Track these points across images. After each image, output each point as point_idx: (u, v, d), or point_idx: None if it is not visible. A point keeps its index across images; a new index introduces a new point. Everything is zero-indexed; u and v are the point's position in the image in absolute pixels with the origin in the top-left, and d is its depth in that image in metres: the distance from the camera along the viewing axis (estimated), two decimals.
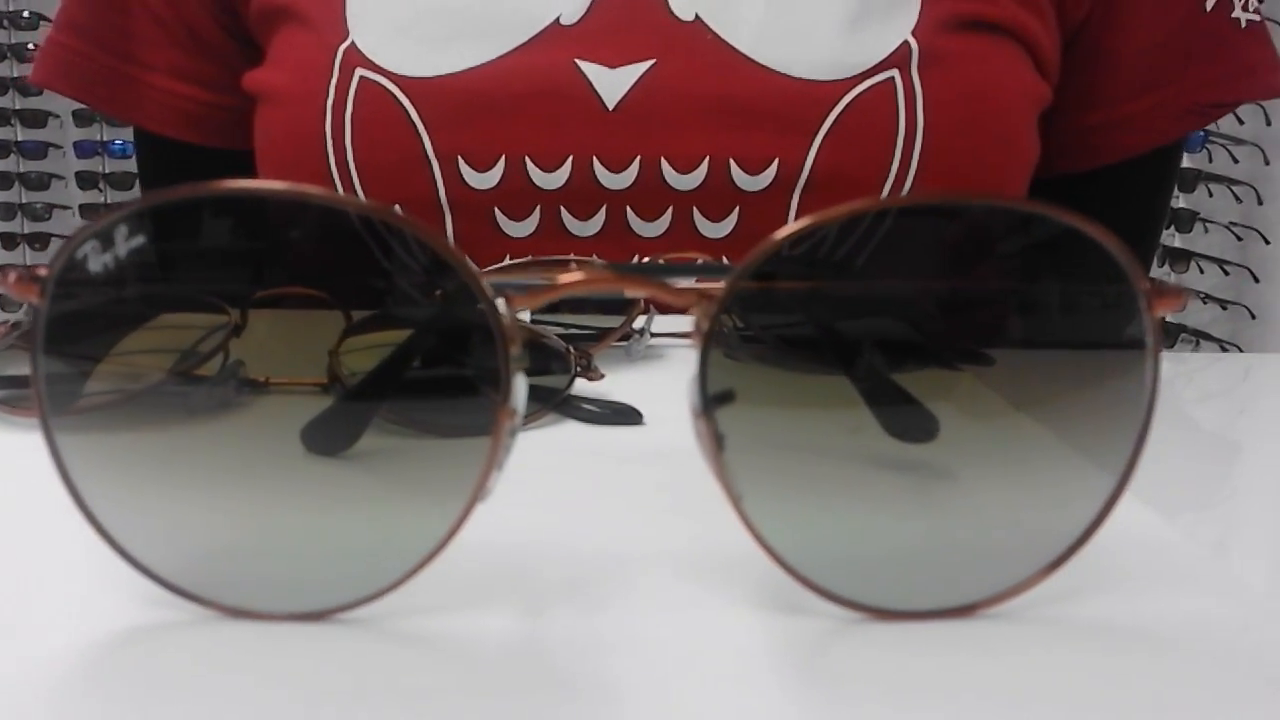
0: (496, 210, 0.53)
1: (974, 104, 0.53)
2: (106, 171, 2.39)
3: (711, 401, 0.19)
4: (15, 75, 2.36)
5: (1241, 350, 2.21)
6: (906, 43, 0.52)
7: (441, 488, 0.20)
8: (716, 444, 0.19)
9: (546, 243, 0.53)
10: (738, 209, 0.52)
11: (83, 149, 2.37)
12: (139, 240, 0.19)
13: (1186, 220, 2.25)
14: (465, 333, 0.21)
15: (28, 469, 0.28)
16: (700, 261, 0.47)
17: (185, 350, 0.27)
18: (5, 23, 2.31)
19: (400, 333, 0.24)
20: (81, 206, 2.39)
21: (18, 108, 2.36)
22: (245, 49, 0.61)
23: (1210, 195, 2.23)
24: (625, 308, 0.41)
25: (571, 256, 0.48)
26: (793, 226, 0.18)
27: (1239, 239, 2.23)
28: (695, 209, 0.52)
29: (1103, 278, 0.19)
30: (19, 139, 2.38)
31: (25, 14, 2.31)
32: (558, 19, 0.53)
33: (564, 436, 0.31)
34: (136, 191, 2.39)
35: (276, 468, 0.22)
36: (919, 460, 0.22)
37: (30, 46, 2.32)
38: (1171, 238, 2.26)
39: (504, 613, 0.20)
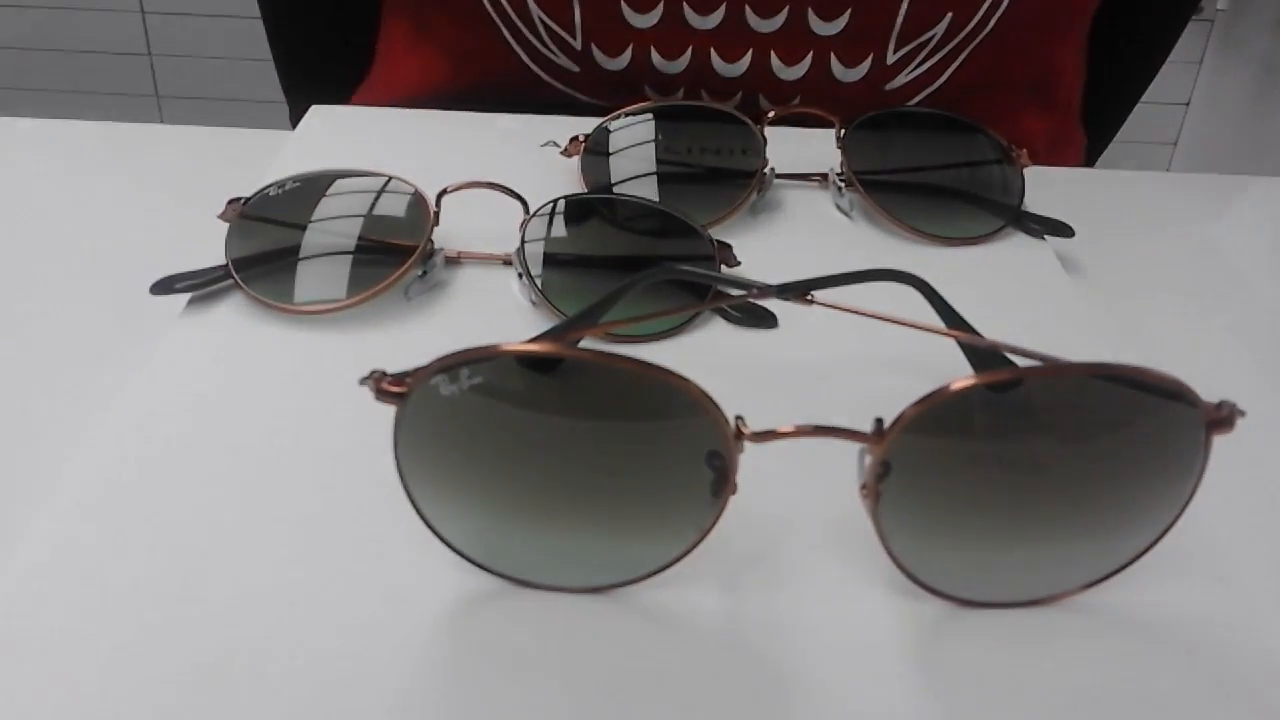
0: (622, 1, 0.56)
1: None
2: None
3: (873, 481, 0.27)
4: None
5: None
6: None
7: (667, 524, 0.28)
8: (875, 501, 0.27)
9: (667, 34, 0.57)
10: (850, 10, 0.55)
11: None
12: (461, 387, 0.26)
13: None
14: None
15: (297, 368, 0.36)
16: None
17: None
18: None
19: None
20: None
21: None
22: None
23: None
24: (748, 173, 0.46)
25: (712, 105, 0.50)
26: (940, 396, 0.25)
27: None
28: (810, 9, 0.55)
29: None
30: None
31: None
32: None
33: (709, 347, 0.38)
34: None
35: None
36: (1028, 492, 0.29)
37: None
38: None
39: (706, 586, 0.29)
